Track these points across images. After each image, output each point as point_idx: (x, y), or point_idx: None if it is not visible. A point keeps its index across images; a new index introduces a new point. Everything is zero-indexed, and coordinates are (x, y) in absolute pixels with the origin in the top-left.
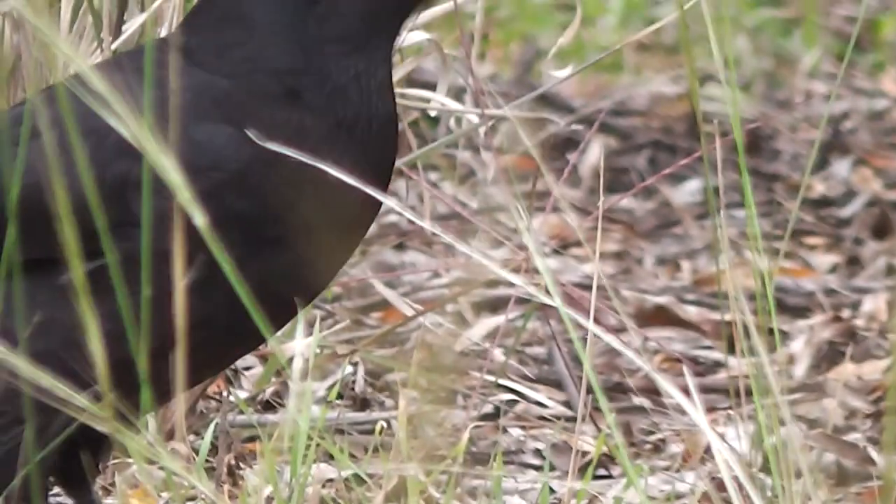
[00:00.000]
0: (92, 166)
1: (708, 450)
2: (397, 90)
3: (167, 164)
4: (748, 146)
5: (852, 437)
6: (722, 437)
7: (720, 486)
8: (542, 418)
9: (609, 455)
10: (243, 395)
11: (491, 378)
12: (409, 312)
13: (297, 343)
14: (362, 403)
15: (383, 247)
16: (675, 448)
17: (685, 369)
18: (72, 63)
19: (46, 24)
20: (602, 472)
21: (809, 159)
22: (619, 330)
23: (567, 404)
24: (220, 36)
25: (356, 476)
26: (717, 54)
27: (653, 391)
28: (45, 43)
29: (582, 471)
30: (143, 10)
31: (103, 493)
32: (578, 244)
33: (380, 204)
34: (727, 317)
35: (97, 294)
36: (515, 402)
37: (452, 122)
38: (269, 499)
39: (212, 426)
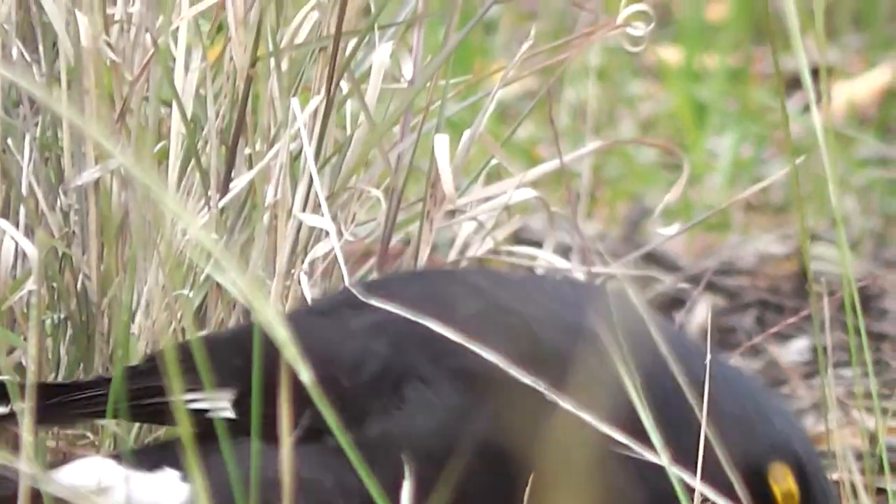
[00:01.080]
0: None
1: None
2: (504, 248)
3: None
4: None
5: None
6: None
7: None
8: None
9: None
10: None
11: None
12: None
13: None
14: None
15: None
16: None
17: None
18: (180, 220)
19: (154, 181)
20: None
21: None
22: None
23: None
24: None
25: None
26: (835, 207)
27: None
28: (154, 200)
29: None
30: (250, 167)
31: None
32: None
33: None
34: (835, 476)
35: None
36: None
37: None
38: None
39: None
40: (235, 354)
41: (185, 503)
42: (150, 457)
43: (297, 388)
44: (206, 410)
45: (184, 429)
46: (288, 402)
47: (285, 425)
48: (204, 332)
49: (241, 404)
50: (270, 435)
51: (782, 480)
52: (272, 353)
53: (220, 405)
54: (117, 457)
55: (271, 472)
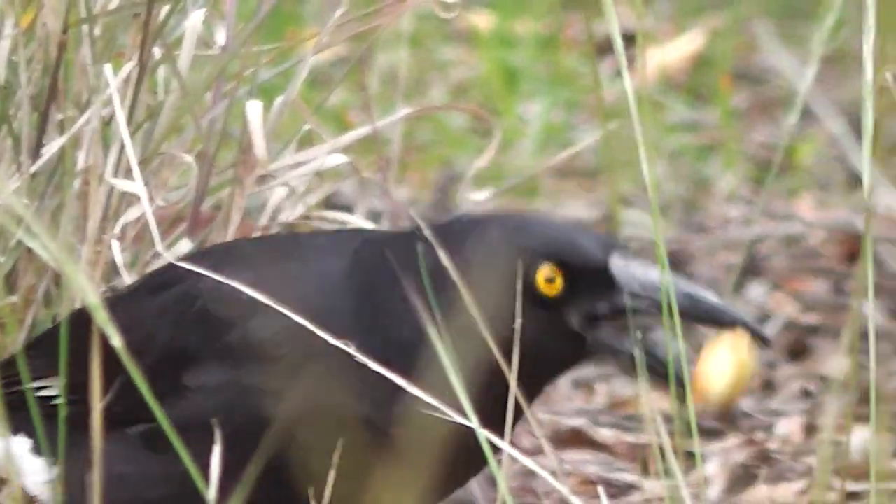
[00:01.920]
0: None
1: None
2: (315, 213)
3: (85, 286)
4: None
5: None
6: None
7: None
8: None
9: None
10: None
11: None
12: None
13: None
14: None
15: None
16: None
17: (600, 491)
18: None
19: None
20: None
21: (726, 283)
22: (534, 452)
23: None
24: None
25: None
26: (646, 176)
27: None
28: None
29: None
30: (62, 133)
31: None
32: None
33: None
34: (642, 439)
35: (157, 454)
36: None
37: None
38: None
39: None
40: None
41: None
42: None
43: (109, 375)
44: (53, 397)
45: (35, 416)
46: (100, 388)
47: (96, 419)
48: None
49: (75, 391)
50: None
51: (550, 279)
52: (87, 340)
53: (54, 392)
54: None
55: (81, 469)
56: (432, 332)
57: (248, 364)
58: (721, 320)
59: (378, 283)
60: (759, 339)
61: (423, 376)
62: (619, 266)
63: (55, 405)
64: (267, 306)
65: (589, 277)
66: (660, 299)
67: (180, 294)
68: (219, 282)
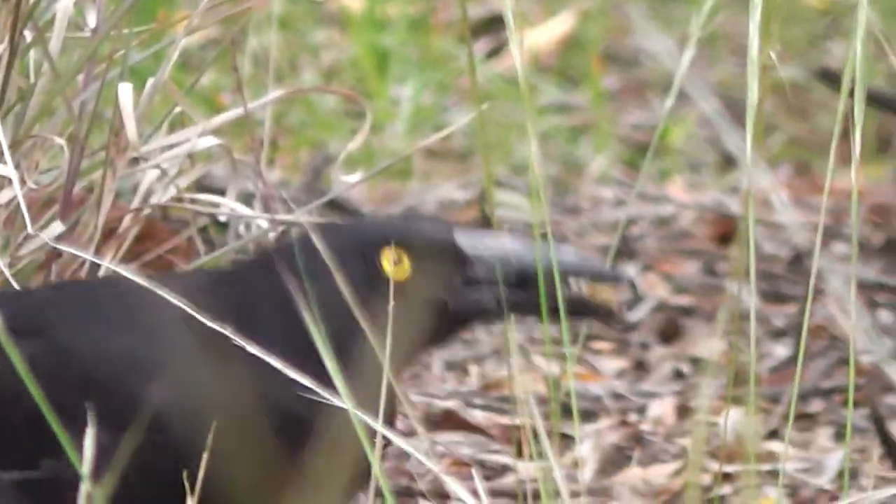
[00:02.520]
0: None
1: None
2: (187, 196)
3: None
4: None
5: None
6: None
7: None
8: None
9: None
10: None
11: None
12: None
13: None
14: None
15: None
16: None
17: (474, 473)
18: None
19: None
20: None
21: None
22: (408, 433)
23: None
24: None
25: None
26: (530, 154)
27: (442, 495)
28: None
29: None
30: None
31: None
32: None
33: None
34: (516, 421)
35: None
36: None
37: (242, 228)
38: None
39: None
40: None
41: None
42: None
43: None
44: None
45: None
46: None
47: None
48: None
49: None
50: None
51: (397, 260)
52: None
53: None
54: None
55: None
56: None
57: (141, 428)
58: (605, 276)
59: (255, 296)
60: (630, 285)
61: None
62: (466, 239)
63: None
64: (154, 371)
65: (436, 254)
66: (516, 266)
67: (51, 350)
68: (96, 342)
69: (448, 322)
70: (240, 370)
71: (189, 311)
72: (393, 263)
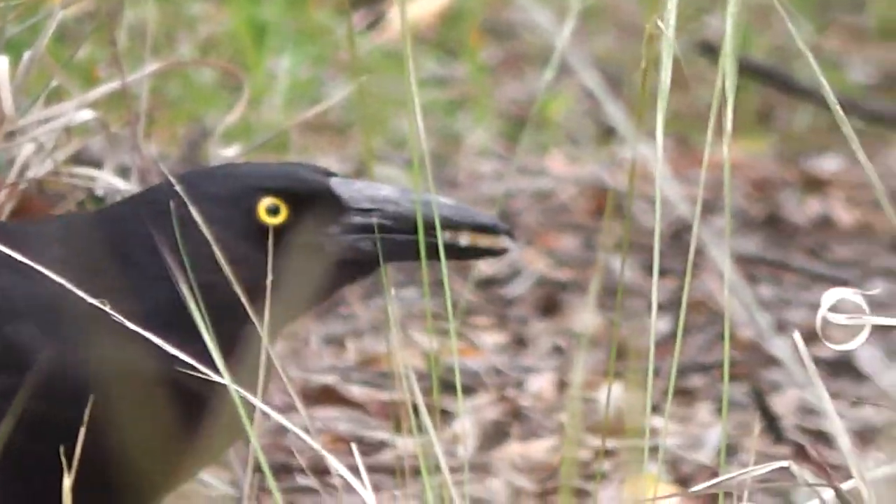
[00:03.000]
0: None
1: None
2: (64, 169)
3: None
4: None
5: None
6: None
7: None
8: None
9: None
10: None
11: None
12: None
13: None
14: None
15: None
16: None
17: (353, 449)
18: None
19: None
20: None
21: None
22: (285, 409)
23: (233, 484)
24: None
25: None
26: (412, 127)
27: (321, 471)
28: None
29: None
30: None
31: None
32: None
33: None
34: (394, 396)
35: None
36: None
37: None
38: None
39: None
40: None
41: None
42: None
43: None
44: None
45: None
46: None
47: None
48: None
49: None
50: None
51: (274, 210)
52: None
53: None
54: None
55: None
56: (185, 290)
57: (13, 374)
58: (479, 223)
59: (130, 243)
60: (508, 235)
61: (183, 334)
62: (342, 186)
63: None
64: (19, 309)
65: (314, 202)
66: (394, 211)
67: None
68: None
69: (328, 271)
70: (117, 327)
71: (68, 252)
72: (269, 211)
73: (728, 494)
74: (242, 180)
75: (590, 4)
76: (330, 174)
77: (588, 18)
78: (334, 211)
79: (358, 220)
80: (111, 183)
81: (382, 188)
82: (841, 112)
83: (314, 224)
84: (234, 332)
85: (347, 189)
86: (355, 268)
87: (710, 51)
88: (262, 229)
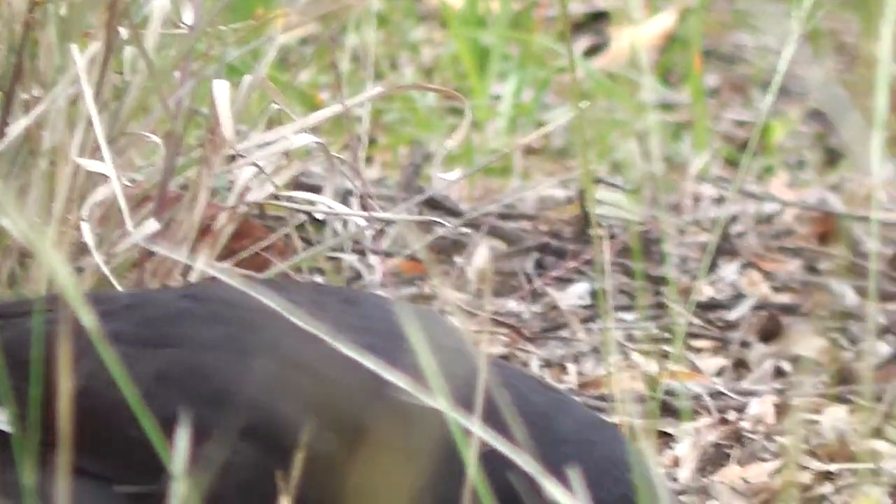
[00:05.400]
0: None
1: None
2: (283, 193)
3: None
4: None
5: None
6: None
7: None
8: None
9: None
10: None
11: None
12: None
13: None
14: None
15: None
16: None
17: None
18: None
19: None
20: None
21: (700, 262)
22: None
23: None
24: None
25: None
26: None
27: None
28: None
29: None
30: (27, 113)
31: None
32: None
33: None
34: (614, 419)
35: None
36: None
37: (339, 226)
38: None
39: None
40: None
41: None
42: None
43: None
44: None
45: None
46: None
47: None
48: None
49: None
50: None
51: None
52: (49, 372)
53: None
54: None
55: None
56: None
57: (274, 447)
58: None
59: None
60: None
61: None
62: None
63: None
64: (289, 388)
65: None
66: None
67: (186, 365)
68: (234, 360)
69: None
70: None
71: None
72: None
73: None
74: None
75: (812, 28)
76: None
77: (810, 42)
78: None
79: None
80: (331, 207)
81: None
82: None
83: None
84: None
85: None
86: None
87: None
88: None
